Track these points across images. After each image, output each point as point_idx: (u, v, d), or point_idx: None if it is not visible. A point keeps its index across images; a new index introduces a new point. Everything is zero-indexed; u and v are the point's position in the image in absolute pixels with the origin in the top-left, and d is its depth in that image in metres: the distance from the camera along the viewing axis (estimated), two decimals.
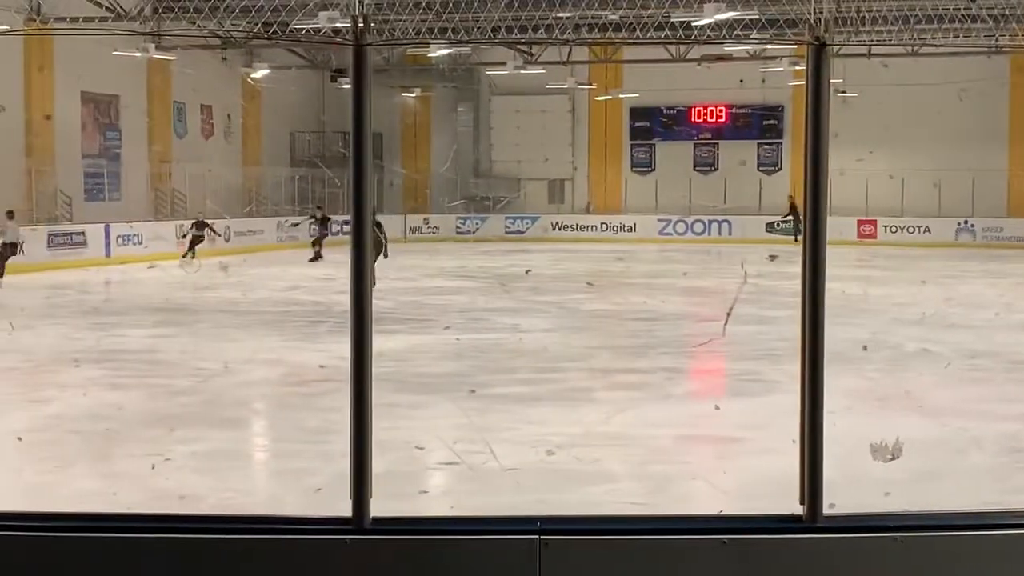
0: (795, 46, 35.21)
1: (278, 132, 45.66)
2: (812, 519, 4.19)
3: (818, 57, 4.18)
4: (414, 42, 34.23)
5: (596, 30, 36.56)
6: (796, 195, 40.14)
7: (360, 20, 4.34)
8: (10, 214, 27.81)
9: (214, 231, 33.77)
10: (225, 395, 13.17)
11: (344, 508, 4.20)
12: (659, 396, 13.02)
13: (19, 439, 10.18)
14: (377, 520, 4.23)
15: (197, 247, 32.39)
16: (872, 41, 35.00)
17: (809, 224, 4.25)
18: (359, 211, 4.34)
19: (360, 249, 4.32)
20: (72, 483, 9.04)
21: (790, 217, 41.05)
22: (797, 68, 37.84)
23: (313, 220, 36.23)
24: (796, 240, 39.21)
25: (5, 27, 30.25)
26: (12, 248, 27.03)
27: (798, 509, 4.22)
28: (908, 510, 4.74)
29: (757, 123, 46.94)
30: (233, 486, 9.43)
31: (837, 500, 4.40)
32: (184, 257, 31.28)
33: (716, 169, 47.45)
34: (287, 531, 4.28)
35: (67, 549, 4.18)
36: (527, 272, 28.93)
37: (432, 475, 9.49)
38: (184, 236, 33.32)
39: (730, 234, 43.44)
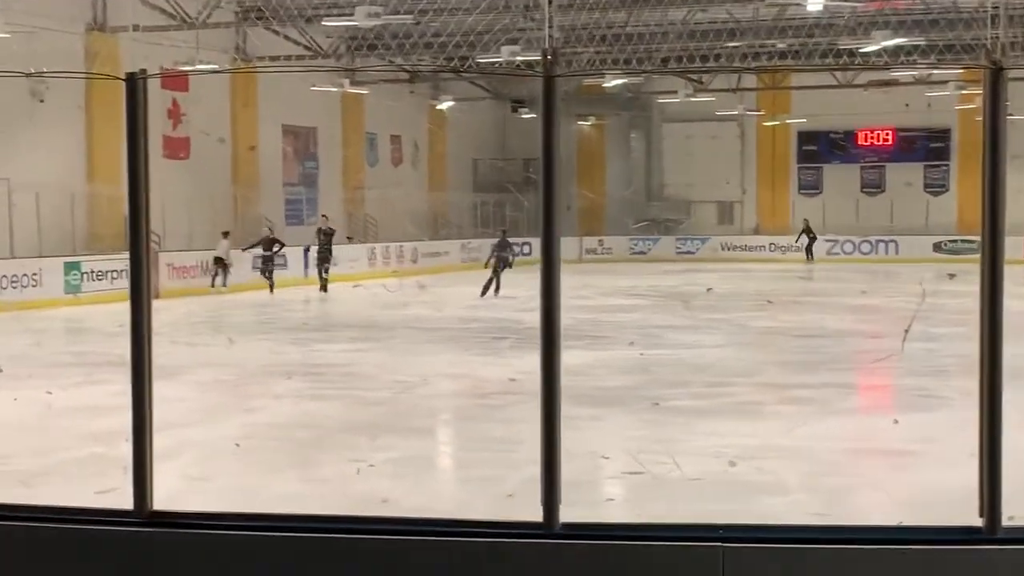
0: (962, 70, 34.35)
1: (462, 159, 46.25)
2: (991, 531, 4.07)
3: (995, 81, 4.08)
4: (597, 72, 34.38)
5: (764, 58, 36.19)
6: (972, 212, 39.30)
7: (550, 53, 4.40)
8: (225, 234, 30.05)
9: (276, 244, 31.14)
10: (417, 406, 13.35)
11: (533, 514, 4.23)
12: (831, 410, 12.77)
13: (237, 445, 10.46)
14: (567, 525, 4.24)
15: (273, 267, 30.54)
16: None
17: (987, 243, 4.14)
18: (548, 231, 4.39)
19: (550, 267, 4.36)
20: (279, 487, 9.26)
21: (804, 238, 42.23)
22: (963, 92, 36.89)
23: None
24: (809, 259, 41.67)
25: (214, 66, 31.26)
26: (220, 262, 28.67)
27: (977, 521, 4.10)
28: None
29: (923, 145, 45.86)
30: (425, 491, 9.55)
31: (1017, 513, 4.27)
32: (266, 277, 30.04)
33: (883, 191, 46.48)
34: (480, 534, 4.32)
35: (274, 547, 4.29)
36: (708, 291, 28.78)
37: (616, 483, 9.46)
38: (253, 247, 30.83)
39: (897, 253, 42.45)
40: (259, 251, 30.48)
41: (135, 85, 4.37)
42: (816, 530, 4.48)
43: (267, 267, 30.21)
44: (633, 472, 9.29)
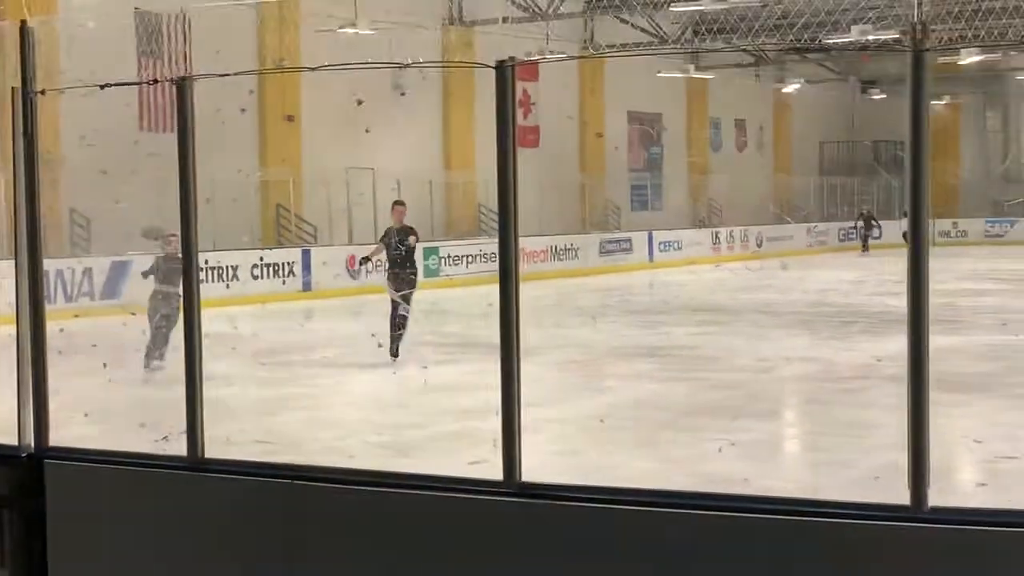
0: None
1: (808, 142, 45.31)
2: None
3: None
4: (964, 45, 32.96)
5: None
6: None
7: (919, 27, 4.25)
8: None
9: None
10: (769, 389, 13.20)
11: (890, 498, 4.12)
12: None
13: (601, 421, 10.65)
14: (935, 509, 4.11)
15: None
16: None
17: None
18: (916, 211, 4.25)
19: (919, 247, 4.23)
20: (637, 464, 9.37)
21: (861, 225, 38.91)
22: None
23: (860, 218, 37.19)
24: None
25: (564, 54, 31.84)
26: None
27: None
28: None
29: None
30: (773, 473, 9.44)
31: None
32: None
33: None
34: (844, 515, 4.25)
35: (635, 521, 4.35)
36: None
37: (986, 468, 9.08)
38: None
39: None
40: None
41: (504, 72, 4.51)
42: None
43: None
44: (1005, 457, 8.89)
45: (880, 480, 7.48)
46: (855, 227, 39.91)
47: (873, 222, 38.67)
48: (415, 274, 15.01)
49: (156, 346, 13.47)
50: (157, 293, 13.64)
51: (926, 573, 4.04)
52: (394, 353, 14.36)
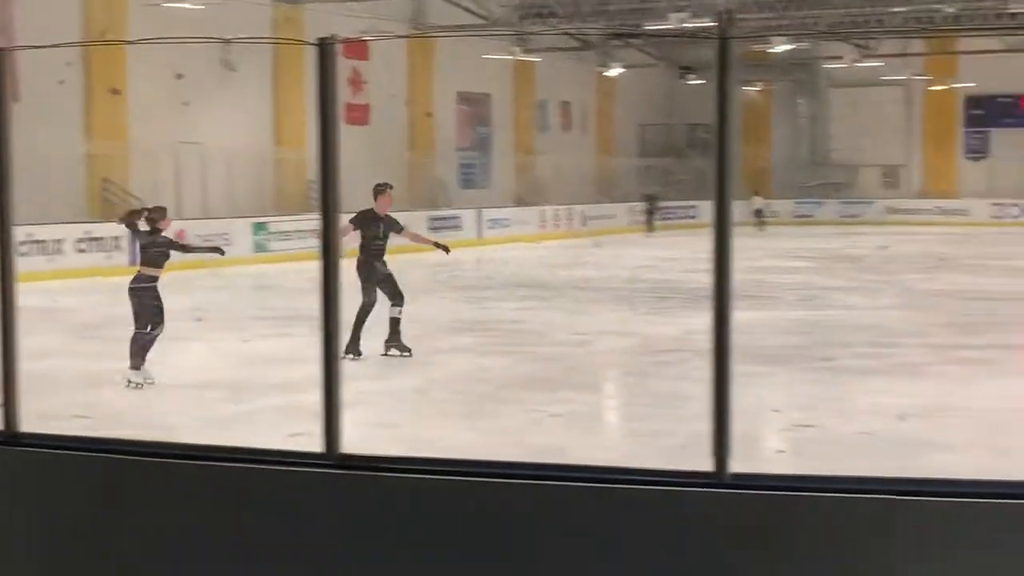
0: None
1: (630, 125, 46.02)
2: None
3: None
4: (770, 34, 33.78)
5: (933, 22, 35.12)
6: None
7: (725, 15, 4.34)
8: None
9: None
10: (588, 363, 13.38)
11: (701, 465, 4.22)
12: (998, 371, 12.41)
13: (421, 394, 10.64)
14: (736, 475, 4.22)
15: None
16: None
17: None
18: (722, 195, 4.35)
19: (723, 227, 4.32)
20: (458, 436, 9.40)
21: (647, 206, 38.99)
22: None
23: (646, 200, 37.41)
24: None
25: (391, 31, 31.69)
26: None
27: None
28: None
29: None
30: (598, 443, 9.60)
31: None
32: None
33: None
34: (650, 482, 4.33)
35: (456, 491, 4.37)
36: (882, 248, 28.35)
37: (786, 437, 9.37)
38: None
39: None
40: None
41: (326, 50, 4.46)
42: (986, 484, 4.36)
43: None
44: (803, 425, 9.18)
45: (688, 449, 7.66)
46: (645, 209, 39.77)
47: (658, 202, 39.18)
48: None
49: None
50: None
51: (729, 536, 4.15)
52: (357, 352, 12.55)
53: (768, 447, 8.88)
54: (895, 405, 10.11)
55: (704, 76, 40.79)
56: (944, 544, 3.96)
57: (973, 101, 45.55)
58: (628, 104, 45.06)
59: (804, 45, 42.52)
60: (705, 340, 4.22)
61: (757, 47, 40.37)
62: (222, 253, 13.30)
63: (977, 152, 46.11)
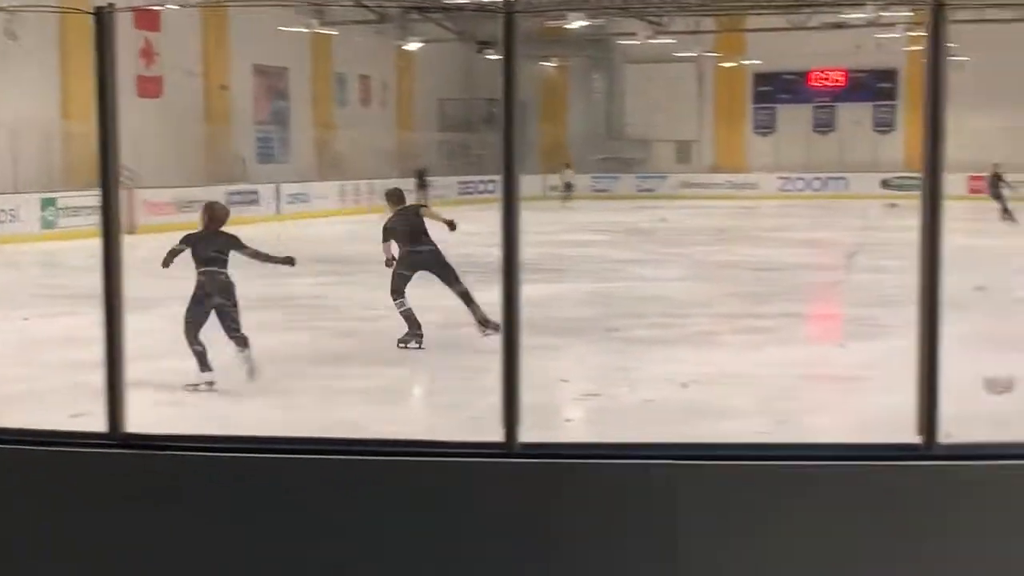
0: (911, 13, 34.39)
1: (430, 100, 45.98)
2: (928, 447, 4.14)
3: (936, 17, 4.09)
4: (559, 8, 34.15)
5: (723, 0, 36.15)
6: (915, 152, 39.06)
7: None
8: None
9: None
10: (387, 337, 13.34)
11: (497, 436, 4.26)
12: (782, 339, 12.88)
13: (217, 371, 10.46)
14: (525, 445, 4.28)
15: None
16: (987, 3, 33.90)
17: (927, 177, 4.18)
18: (509, 168, 4.38)
19: (510, 203, 4.36)
20: (254, 413, 9.28)
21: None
22: (911, 35, 36.96)
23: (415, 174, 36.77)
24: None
25: (183, 1, 30.90)
26: None
27: (916, 439, 4.17)
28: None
29: (872, 86, 45.90)
30: (396, 417, 9.59)
31: (953, 432, 4.33)
32: None
33: (833, 130, 46.61)
34: (446, 454, 4.36)
35: (246, 468, 4.31)
36: (662, 220, 28.97)
37: (575, 406, 9.54)
38: None
39: (847, 190, 42.63)
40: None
41: (103, 20, 4.32)
42: (763, 448, 4.53)
43: None
44: (590, 395, 9.35)
45: (484, 420, 7.73)
46: (416, 184, 38.80)
47: (426, 176, 38.42)
48: None
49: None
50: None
51: (519, 504, 4.21)
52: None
53: (559, 417, 9.02)
54: (683, 373, 10.40)
55: (499, 51, 41.00)
56: (725, 506, 4.10)
57: (761, 78, 47.05)
58: (427, 79, 45.01)
59: (599, 22, 43.16)
60: (520, 312, 4.25)
61: (553, 23, 40.84)
62: (292, 264, 11.86)
63: (765, 127, 47.67)
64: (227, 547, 4.26)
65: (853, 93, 46.19)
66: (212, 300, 10.34)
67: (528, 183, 41.38)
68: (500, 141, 4.34)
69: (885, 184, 41.94)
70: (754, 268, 20.12)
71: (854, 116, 45.97)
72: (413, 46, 41.72)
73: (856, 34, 40.00)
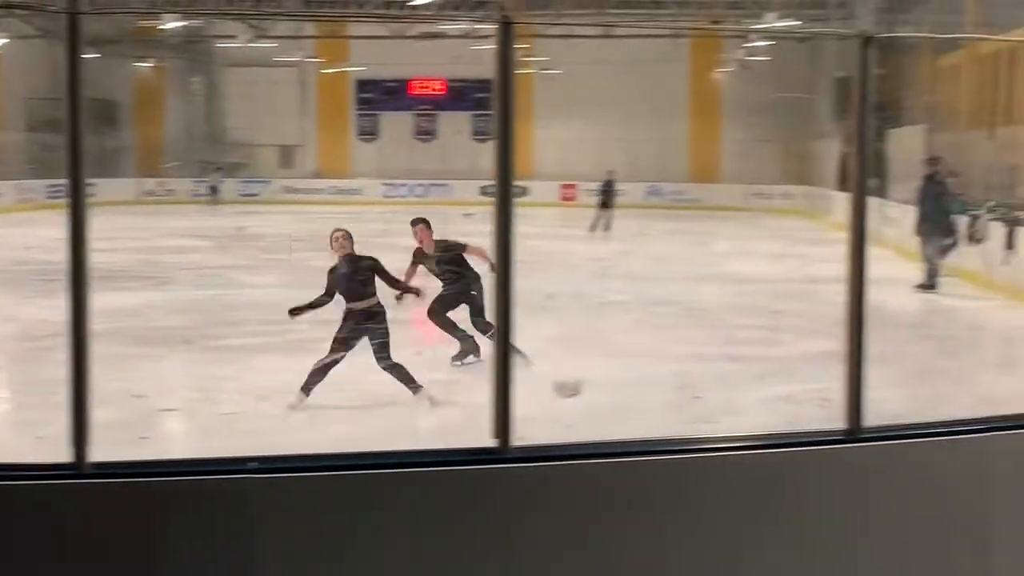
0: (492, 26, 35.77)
1: (17, 99, 43.58)
2: (503, 450, 4.28)
3: (506, 34, 4.24)
4: (127, 11, 33.08)
5: (325, 6, 36.27)
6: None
7: None
8: None
9: None
10: None
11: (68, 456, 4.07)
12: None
13: None
14: (96, 465, 4.10)
15: None
16: (566, 23, 35.59)
17: (499, 184, 4.32)
18: (75, 172, 4.20)
19: (77, 209, 4.19)
20: None
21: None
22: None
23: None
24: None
25: None
26: None
27: (492, 443, 4.29)
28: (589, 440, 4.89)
29: (471, 96, 47.30)
30: None
31: (529, 433, 4.49)
32: None
33: (436, 137, 47.71)
34: (10, 477, 4.12)
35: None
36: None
37: (154, 422, 9.21)
38: None
39: (449, 197, 43.71)
40: None
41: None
42: (342, 457, 4.55)
43: None
44: (171, 410, 9.09)
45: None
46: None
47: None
48: None
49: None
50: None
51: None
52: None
53: (134, 433, 8.66)
54: (277, 382, 10.29)
55: (94, 50, 39.46)
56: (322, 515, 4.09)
57: (363, 84, 47.56)
58: (15, 78, 42.65)
59: (197, 23, 42.33)
60: (91, 323, 4.08)
61: (146, 23, 39.65)
62: (418, 294, 11.60)
63: (368, 134, 48.21)
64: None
65: (454, 102, 47.42)
66: None
67: (123, 186, 40.17)
68: (67, 144, 4.17)
69: (484, 191, 43.34)
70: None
71: (455, 125, 47.24)
72: None
73: (454, 44, 41.16)
